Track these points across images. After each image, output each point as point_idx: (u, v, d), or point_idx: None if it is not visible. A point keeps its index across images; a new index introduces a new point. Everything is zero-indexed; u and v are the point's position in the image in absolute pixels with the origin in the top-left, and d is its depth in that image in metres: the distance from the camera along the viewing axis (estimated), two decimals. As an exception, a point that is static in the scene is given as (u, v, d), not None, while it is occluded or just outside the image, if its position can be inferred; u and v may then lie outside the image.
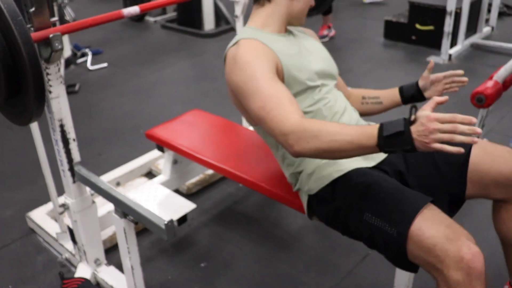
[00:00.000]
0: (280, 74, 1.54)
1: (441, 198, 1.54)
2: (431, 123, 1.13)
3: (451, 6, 4.09)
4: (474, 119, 1.13)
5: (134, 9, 1.82)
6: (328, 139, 1.27)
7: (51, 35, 1.51)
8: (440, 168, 1.59)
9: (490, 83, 2.40)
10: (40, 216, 2.47)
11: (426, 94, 1.79)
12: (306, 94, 1.59)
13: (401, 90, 1.82)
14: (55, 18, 1.70)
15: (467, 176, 1.56)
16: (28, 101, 1.31)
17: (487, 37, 4.80)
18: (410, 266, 1.35)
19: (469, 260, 1.20)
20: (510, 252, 1.65)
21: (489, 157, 1.55)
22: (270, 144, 1.70)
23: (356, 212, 1.44)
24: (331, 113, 1.60)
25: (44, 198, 2.57)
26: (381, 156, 1.61)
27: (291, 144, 1.32)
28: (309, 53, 1.68)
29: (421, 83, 1.79)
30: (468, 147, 1.56)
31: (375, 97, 1.87)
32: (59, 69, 1.69)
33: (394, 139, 1.18)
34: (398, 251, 1.33)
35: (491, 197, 1.59)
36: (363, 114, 1.85)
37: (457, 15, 4.26)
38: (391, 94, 1.84)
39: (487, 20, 4.90)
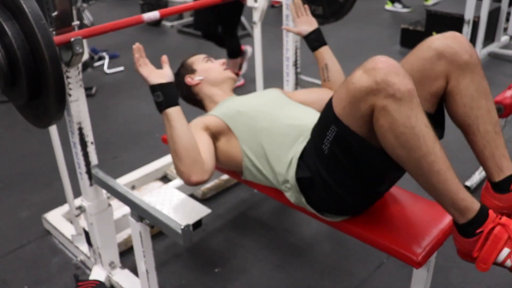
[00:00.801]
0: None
1: None
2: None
3: (469, 14, 4.06)
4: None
5: (154, 14, 1.84)
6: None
7: (72, 39, 1.53)
8: None
9: (509, 93, 2.38)
10: (56, 217, 2.49)
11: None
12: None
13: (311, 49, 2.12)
14: (77, 22, 1.72)
15: None
16: (49, 103, 1.33)
17: (505, 46, 4.75)
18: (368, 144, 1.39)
19: (372, 65, 1.28)
20: (470, 137, 1.52)
21: (406, 58, 1.55)
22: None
23: (321, 156, 1.50)
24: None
25: (60, 200, 2.59)
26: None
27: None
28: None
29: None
30: None
31: (323, 69, 2.10)
32: (79, 73, 1.71)
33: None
34: (351, 138, 1.38)
35: (435, 91, 1.52)
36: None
37: (475, 24, 4.23)
38: (317, 56, 2.11)
39: (505, 29, 4.86)
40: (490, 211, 1.31)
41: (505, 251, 1.26)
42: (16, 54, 1.28)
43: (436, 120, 1.56)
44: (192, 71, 2.05)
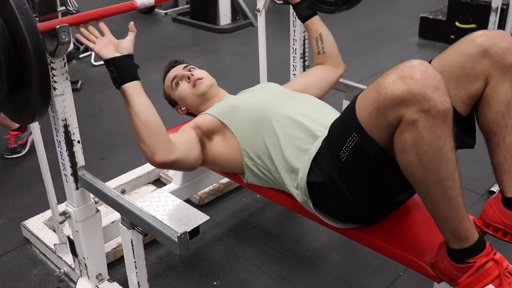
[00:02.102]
0: None
1: None
2: None
3: (497, 1, 4.05)
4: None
5: (149, 0, 1.84)
6: None
7: (57, 26, 1.53)
8: None
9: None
10: (37, 225, 2.49)
11: None
12: None
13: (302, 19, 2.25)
14: (62, 8, 1.73)
15: None
16: (32, 98, 1.33)
17: (536, 38, 4.76)
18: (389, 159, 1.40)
19: (410, 72, 1.25)
20: (492, 146, 1.56)
21: (445, 53, 1.58)
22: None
23: (338, 162, 1.50)
24: None
25: (41, 206, 2.61)
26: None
27: None
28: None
29: None
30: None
31: (317, 39, 2.20)
32: (64, 64, 1.71)
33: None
34: (371, 148, 1.38)
35: (474, 93, 1.55)
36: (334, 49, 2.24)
37: (503, 12, 4.23)
38: (308, 27, 2.23)
39: (536, 20, 4.86)
40: (487, 244, 1.37)
41: (489, 287, 1.33)
42: None
43: (466, 126, 1.58)
44: (175, 102, 2.14)
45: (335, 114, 1.85)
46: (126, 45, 1.66)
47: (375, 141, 1.37)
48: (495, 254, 1.35)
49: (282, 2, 2.26)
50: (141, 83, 1.66)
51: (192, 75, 2.08)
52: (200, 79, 2.07)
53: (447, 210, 1.34)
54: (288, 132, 1.76)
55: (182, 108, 2.14)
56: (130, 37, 1.69)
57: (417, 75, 1.24)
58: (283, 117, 1.79)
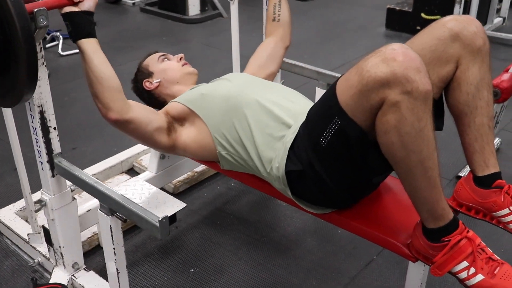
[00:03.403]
0: None
1: None
2: None
3: (460, -9, 4.16)
4: None
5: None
6: None
7: (35, 10, 1.51)
8: None
9: (506, 76, 2.44)
10: (8, 215, 2.45)
11: None
12: None
13: None
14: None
15: None
16: (19, 81, 1.31)
17: (498, 29, 4.89)
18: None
19: (393, 55, 1.27)
20: (463, 127, 1.61)
21: (417, 37, 1.61)
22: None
23: (318, 149, 1.52)
24: None
25: (12, 196, 2.57)
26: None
27: None
28: None
29: None
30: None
31: (275, 5, 2.27)
32: (41, 49, 1.69)
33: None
34: (353, 131, 1.41)
35: (445, 75, 1.59)
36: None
37: (467, 4, 4.32)
38: None
39: (498, 10, 4.99)
40: (460, 222, 1.42)
41: (463, 263, 1.37)
42: None
43: (436, 108, 1.62)
44: (149, 74, 2.12)
45: (307, 103, 1.88)
46: (87, 4, 1.65)
47: (358, 125, 1.39)
48: (468, 232, 1.39)
49: None
50: (97, 41, 1.67)
51: (181, 58, 2.16)
52: (188, 64, 2.15)
53: (426, 189, 1.37)
54: (260, 120, 1.77)
55: (155, 81, 2.09)
56: None
57: (400, 58, 1.27)
58: (255, 105, 1.81)
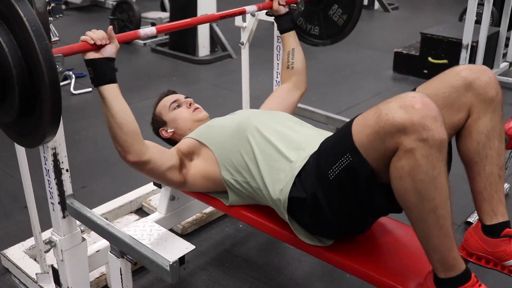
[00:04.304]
0: None
1: None
2: None
3: (467, 39, 4.19)
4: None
5: (151, 30, 1.89)
6: None
7: (54, 56, 1.55)
8: None
9: (514, 123, 2.46)
10: (17, 254, 2.45)
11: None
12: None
13: (281, 30, 2.40)
14: (56, 38, 1.75)
15: None
16: (41, 124, 1.36)
17: (505, 73, 4.92)
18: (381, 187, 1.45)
19: (412, 102, 1.30)
20: (473, 174, 1.61)
21: (431, 82, 1.64)
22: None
23: (324, 180, 1.54)
24: None
25: (21, 234, 2.58)
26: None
27: None
28: None
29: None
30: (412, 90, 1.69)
31: (289, 53, 2.34)
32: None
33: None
34: (363, 170, 1.42)
35: (456, 123, 1.60)
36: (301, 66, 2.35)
37: (473, 49, 4.37)
38: (285, 40, 2.38)
39: (504, 55, 5.04)
40: (473, 275, 1.42)
41: None
42: (11, 71, 1.30)
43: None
44: (163, 123, 2.17)
45: (313, 133, 1.90)
46: (108, 50, 1.68)
47: (369, 164, 1.41)
48: (480, 286, 1.40)
49: (270, 14, 2.36)
50: (118, 86, 1.70)
51: (191, 104, 2.18)
52: (199, 108, 2.18)
53: (438, 238, 1.38)
54: (264, 150, 1.80)
55: (169, 130, 2.15)
56: (115, 43, 1.71)
57: (418, 105, 1.30)
58: (258, 132, 1.84)
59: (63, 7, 7.16)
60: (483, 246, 1.57)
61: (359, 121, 1.45)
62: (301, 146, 1.77)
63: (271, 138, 1.82)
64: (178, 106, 2.17)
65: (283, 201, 1.69)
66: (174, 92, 2.27)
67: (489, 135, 1.58)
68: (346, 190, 1.52)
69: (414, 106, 1.30)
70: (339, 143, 1.52)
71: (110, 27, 1.71)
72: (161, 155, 1.81)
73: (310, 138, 1.79)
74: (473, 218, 2.72)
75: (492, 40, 4.68)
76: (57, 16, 4.60)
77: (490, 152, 1.57)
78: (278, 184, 1.72)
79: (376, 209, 1.57)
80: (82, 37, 1.65)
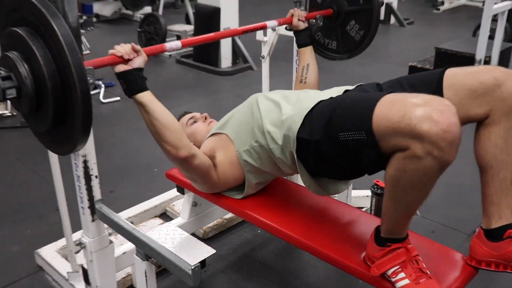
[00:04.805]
0: None
1: None
2: None
3: (480, 54, 4.16)
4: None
5: (176, 44, 1.92)
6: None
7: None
8: (417, 87, 1.65)
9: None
10: (50, 253, 2.50)
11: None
12: None
13: (299, 45, 2.44)
14: (87, 52, 1.79)
15: (443, 91, 1.61)
16: (73, 133, 1.38)
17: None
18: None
19: (439, 118, 1.26)
20: (486, 178, 1.61)
21: (462, 71, 1.62)
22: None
23: (333, 137, 1.55)
24: None
25: (53, 235, 2.61)
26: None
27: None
28: None
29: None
30: (442, 69, 1.67)
31: (304, 68, 2.36)
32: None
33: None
34: (374, 152, 1.42)
35: (472, 116, 1.59)
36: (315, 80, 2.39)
37: (486, 64, 4.35)
38: (301, 54, 2.41)
39: (516, 70, 4.99)
40: (408, 237, 1.54)
41: (396, 268, 1.49)
42: (46, 83, 1.32)
43: None
44: None
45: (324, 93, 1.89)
46: (137, 62, 1.70)
47: (379, 149, 1.41)
48: (409, 244, 1.52)
49: (289, 29, 2.40)
50: (150, 92, 1.71)
51: (206, 118, 2.22)
52: (213, 121, 2.21)
53: (400, 217, 1.49)
54: (270, 106, 1.86)
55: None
56: (143, 55, 1.73)
57: (444, 126, 1.26)
58: (265, 97, 1.91)
59: (94, 20, 7.26)
60: (489, 251, 1.57)
61: (384, 108, 1.39)
62: (310, 99, 1.76)
63: (277, 98, 1.87)
64: (195, 121, 2.20)
65: (292, 138, 1.68)
66: (189, 112, 2.30)
67: (507, 141, 1.57)
68: (348, 153, 1.53)
69: (439, 123, 1.26)
70: (359, 118, 1.46)
71: (132, 44, 1.73)
72: (201, 152, 1.84)
73: (320, 95, 1.79)
74: (484, 228, 2.70)
75: (505, 55, 4.66)
76: (89, 28, 4.71)
77: (506, 158, 1.57)
78: (285, 124, 1.73)
79: (368, 171, 1.62)
80: (110, 51, 1.68)
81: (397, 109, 1.34)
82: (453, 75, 1.61)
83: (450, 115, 1.28)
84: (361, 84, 1.89)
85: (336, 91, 1.85)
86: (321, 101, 1.71)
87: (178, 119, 2.25)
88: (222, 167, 1.92)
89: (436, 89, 1.61)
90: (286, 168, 1.84)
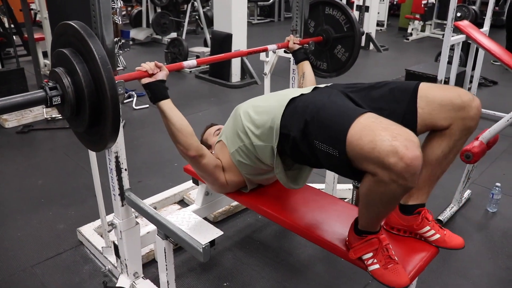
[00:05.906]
0: None
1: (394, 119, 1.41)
2: None
3: (441, 75, 4.10)
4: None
5: (192, 62, 1.89)
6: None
7: (116, 81, 1.54)
8: (395, 92, 1.57)
9: (476, 143, 2.40)
10: (89, 231, 2.47)
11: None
12: None
13: (296, 61, 2.37)
14: (121, 67, 1.75)
15: (417, 99, 1.53)
16: (105, 132, 1.35)
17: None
18: (360, 175, 1.36)
19: (404, 153, 1.20)
20: (425, 172, 1.57)
21: (436, 87, 1.56)
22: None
23: (309, 140, 1.45)
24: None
25: (92, 216, 2.59)
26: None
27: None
28: None
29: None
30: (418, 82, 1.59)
31: (301, 76, 2.30)
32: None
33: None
34: (346, 167, 1.36)
35: (437, 126, 1.53)
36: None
37: (445, 83, 4.29)
38: (299, 67, 2.34)
39: (469, 89, 4.93)
40: (381, 230, 1.52)
41: (369, 254, 1.49)
42: (83, 91, 1.30)
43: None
44: (209, 146, 2.10)
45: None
46: (160, 75, 1.67)
47: (352, 167, 1.34)
48: (381, 235, 1.50)
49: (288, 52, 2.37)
50: (171, 100, 1.68)
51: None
52: None
53: (372, 220, 1.47)
54: (253, 107, 1.77)
55: (213, 152, 2.05)
56: (165, 70, 1.69)
57: (407, 160, 1.20)
58: (249, 102, 1.85)
59: (131, 43, 7.21)
60: (400, 221, 1.63)
61: (357, 135, 1.30)
62: (290, 94, 1.65)
63: (258, 99, 1.82)
64: (220, 131, 2.11)
65: (275, 128, 1.58)
66: (216, 124, 2.21)
67: (453, 149, 1.55)
68: (322, 158, 1.43)
69: (404, 158, 1.20)
70: (334, 137, 1.37)
71: (155, 61, 1.69)
72: (210, 154, 1.80)
73: (300, 90, 1.66)
74: (443, 216, 2.65)
75: (460, 77, 4.60)
76: (126, 49, 4.66)
77: (444, 161, 1.57)
78: (268, 117, 1.63)
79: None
80: (137, 68, 1.66)
81: (368, 140, 1.26)
82: (427, 88, 1.54)
83: (414, 149, 1.22)
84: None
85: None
86: (302, 94, 1.61)
87: (206, 129, 2.18)
88: (227, 170, 1.86)
89: (411, 96, 1.54)
90: (265, 166, 1.75)
